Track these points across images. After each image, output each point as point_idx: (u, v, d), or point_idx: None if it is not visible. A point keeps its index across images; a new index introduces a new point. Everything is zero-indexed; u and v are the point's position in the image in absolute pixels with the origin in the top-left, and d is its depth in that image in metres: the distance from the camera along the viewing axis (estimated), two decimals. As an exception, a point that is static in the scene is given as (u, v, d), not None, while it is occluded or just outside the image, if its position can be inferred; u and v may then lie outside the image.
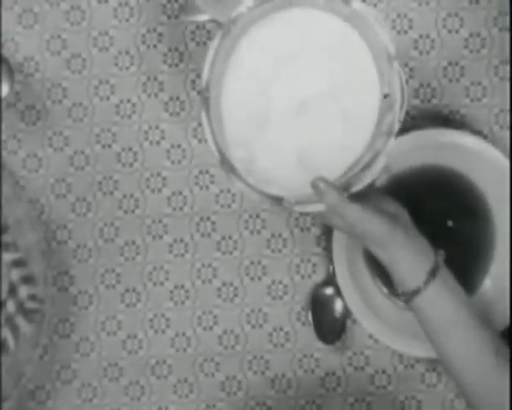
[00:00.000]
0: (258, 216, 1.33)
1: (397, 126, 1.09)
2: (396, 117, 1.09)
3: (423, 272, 1.14)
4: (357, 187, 1.08)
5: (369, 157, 1.07)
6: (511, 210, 1.27)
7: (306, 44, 1.15)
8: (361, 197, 1.13)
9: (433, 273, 1.13)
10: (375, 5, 1.33)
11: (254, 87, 1.13)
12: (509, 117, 1.33)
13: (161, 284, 1.31)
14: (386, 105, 1.09)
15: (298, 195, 1.10)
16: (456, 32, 1.32)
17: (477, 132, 1.30)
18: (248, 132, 1.13)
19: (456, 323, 1.14)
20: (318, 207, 1.10)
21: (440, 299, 1.17)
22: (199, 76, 1.33)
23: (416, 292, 1.14)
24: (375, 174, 1.08)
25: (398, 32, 1.34)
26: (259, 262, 1.33)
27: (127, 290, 1.30)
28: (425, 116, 1.35)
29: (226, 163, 1.12)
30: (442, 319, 1.17)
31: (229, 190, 1.33)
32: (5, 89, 1.24)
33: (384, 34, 1.11)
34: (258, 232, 1.35)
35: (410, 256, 1.15)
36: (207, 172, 1.35)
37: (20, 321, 1.28)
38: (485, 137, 1.29)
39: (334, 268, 1.29)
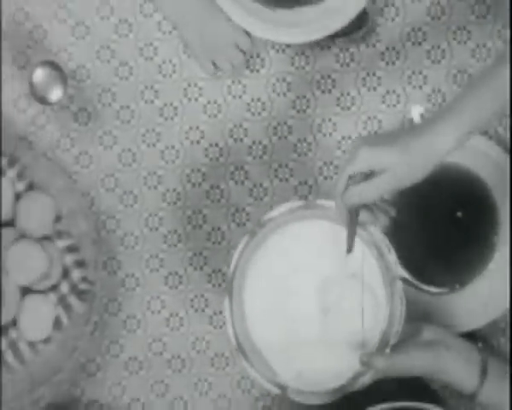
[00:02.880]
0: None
1: (398, 331, 1.06)
2: (396, 325, 1.06)
3: (475, 376, 1.09)
4: (392, 341, 1.05)
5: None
6: (511, 208, 1.20)
7: (324, 258, 1.12)
8: (400, 345, 1.08)
9: (484, 373, 1.07)
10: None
11: (273, 284, 1.12)
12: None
13: (201, 268, 1.27)
14: (389, 320, 1.08)
15: (313, 376, 1.09)
16: (465, 43, 1.27)
17: (483, 133, 1.23)
18: (268, 323, 1.11)
19: None
20: (321, 400, 1.08)
21: (498, 388, 1.11)
22: (234, 81, 1.25)
23: (474, 395, 1.07)
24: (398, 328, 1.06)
25: (413, 44, 1.26)
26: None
27: (170, 274, 1.26)
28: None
29: (241, 350, 1.09)
30: (506, 402, 1.11)
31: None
32: (59, 93, 1.19)
33: (392, 258, 1.08)
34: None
35: (459, 368, 1.09)
36: (242, 168, 1.28)
37: (73, 301, 1.24)
38: (490, 138, 1.23)
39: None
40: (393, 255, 1.09)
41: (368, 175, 1.04)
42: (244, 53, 1.25)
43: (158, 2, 1.24)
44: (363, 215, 1.07)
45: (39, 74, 1.20)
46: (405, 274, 1.24)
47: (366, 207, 1.08)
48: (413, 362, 1.08)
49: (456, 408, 1.18)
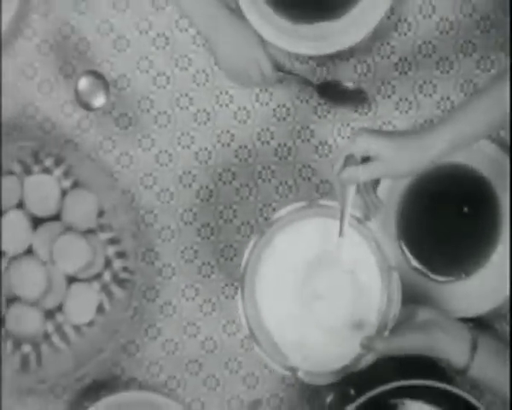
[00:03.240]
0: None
1: (395, 315, 1.13)
2: (393, 311, 1.13)
3: (466, 352, 1.15)
4: (390, 325, 1.12)
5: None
6: (511, 205, 1.22)
7: (326, 251, 1.18)
8: (397, 328, 1.14)
9: (474, 349, 1.14)
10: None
11: (281, 277, 1.18)
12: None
13: (231, 259, 1.31)
14: (386, 306, 1.14)
15: (319, 359, 1.16)
16: (470, 55, 1.32)
17: (487, 136, 1.27)
18: (279, 310, 1.17)
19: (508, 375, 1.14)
20: (328, 380, 1.14)
21: (489, 364, 1.16)
22: (261, 90, 1.30)
23: (465, 370, 1.14)
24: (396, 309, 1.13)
25: (424, 56, 1.31)
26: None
27: (203, 264, 1.30)
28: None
29: (254, 337, 1.15)
30: (497, 377, 1.16)
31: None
32: (102, 100, 1.23)
33: (388, 249, 1.15)
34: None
35: (451, 345, 1.15)
36: (269, 167, 1.32)
37: (115, 288, 1.28)
38: (493, 140, 1.27)
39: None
40: (389, 247, 1.15)
41: (364, 159, 1.09)
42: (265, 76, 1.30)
43: (192, 19, 1.29)
44: (356, 200, 1.12)
45: (84, 83, 1.23)
46: (416, 264, 1.27)
47: (366, 189, 1.13)
48: (409, 343, 1.14)
49: (463, 386, 1.22)
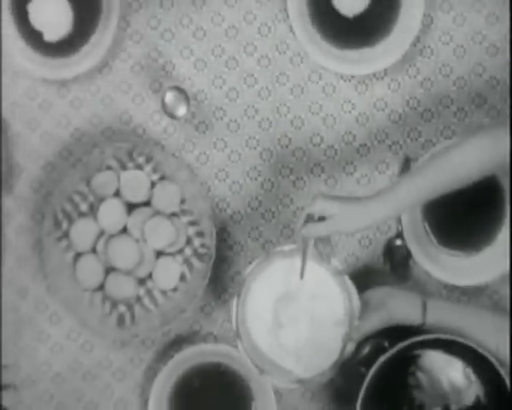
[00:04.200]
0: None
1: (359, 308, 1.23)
2: (356, 307, 1.24)
3: (418, 312, 1.26)
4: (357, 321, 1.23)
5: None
6: (511, 202, 1.28)
7: (290, 288, 1.26)
8: (362, 316, 1.25)
9: (424, 309, 1.26)
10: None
11: (267, 296, 1.27)
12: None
13: (289, 237, 1.40)
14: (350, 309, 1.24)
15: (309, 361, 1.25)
16: (480, 75, 1.41)
17: None
18: (261, 331, 1.26)
19: (466, 320, 1.24)
20: (326, 378, 1.24)
21: (441, 315, 1.26)
22: (313, 102, 1.39)
23: (422, 324, 1.26)
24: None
25: (443, 76, 1.41)
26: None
27: (266, 241, 1.41)
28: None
29: (238, 333, 1.24)
30: (450, 324, 1.26)
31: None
32: (184, 110, 1.33)
33: (345, 273, 1.25)
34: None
35: (405, 311, 1.26)
36: (319, 164, 1.39)
37: (194, 261, 1.38)
38: None
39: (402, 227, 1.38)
40: (345, 270, 1.25)
41: (320, 218, 1.20)
42: None
43: None
44: (319, 246, 1.23)
45: (169, 96, 1.33)
46: (437, 242, 1.36)
47: (322, 241, 1.24)
48: (374, 323, 1.26)
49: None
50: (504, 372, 1.21)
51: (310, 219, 1.20)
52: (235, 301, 1.24)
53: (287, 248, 1.25)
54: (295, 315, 1.28)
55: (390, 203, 1.19)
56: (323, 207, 1.19)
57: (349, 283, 1.25)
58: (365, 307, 1.26)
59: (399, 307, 1.26)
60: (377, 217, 1.19)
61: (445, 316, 1.26)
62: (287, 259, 1.26)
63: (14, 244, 1.41)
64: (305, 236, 1.20)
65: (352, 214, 1.19)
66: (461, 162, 1.19)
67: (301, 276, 1.23)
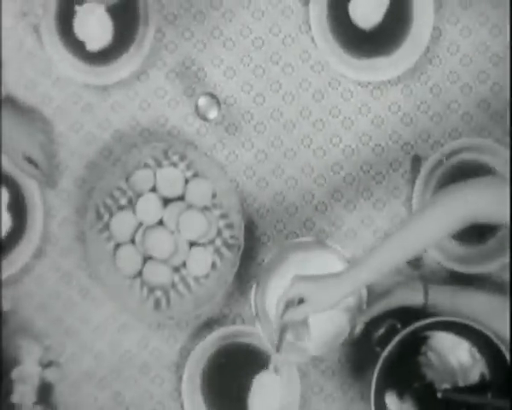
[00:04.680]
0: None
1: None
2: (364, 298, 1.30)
3: (420, 296, 1.33)
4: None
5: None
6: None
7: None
8: (370, 303, 1.31)
9: (426, 293, 1.33)
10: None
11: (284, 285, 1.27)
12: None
13: (311, 229, 1.44)
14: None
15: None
16: (484, 82, 1.44)
17: (496, 140, 1.43)
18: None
19: None
20: (337, 353, 1.35)
21: (442, 299, 1.32)
22: (333, 107, 1.44)
23: (424, 307, 1.33)
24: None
25: (451, 82, 1.44)
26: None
27: (289, 233, 1.45)
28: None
29: (258, 316, 1.31)
30: (451, 307, 1.32)
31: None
32: (215, 113, 1.36)
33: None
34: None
35: (408, 296, 1.33)
36: (338, 163, 1.44)
37: (224, 251, 1.42)
38: (500, 143, 1.42)
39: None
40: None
41: (300, 301, 1.22)
42: None
43: None
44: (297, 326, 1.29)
45: (202, 101, 1.37)
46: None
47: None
48: (381, 307, 1.33)
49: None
50: (505, 349, 1.27)
51: (290, 303, 1.23)
52: (254, 288, 1.31)
53: (301, 240, 1.32)
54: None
55: (362, 273, 1.19)
56: (301, 290, 1.21)
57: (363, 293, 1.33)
58: (371, 293, 1.34)
59: (403, 292, 1.33)
60: (347, 291, 1.20)
61: (445, 297, 1.33)
62: (302, 250, 1.33)
63: (58, 236, 1.46)
64: (288, 322, 1.23)
65: (327, 290, 1.20)
66: (420, 235, 1.18)
67: (277, 351, 1.27)
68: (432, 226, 1.16)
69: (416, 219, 1.18)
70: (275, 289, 1.33)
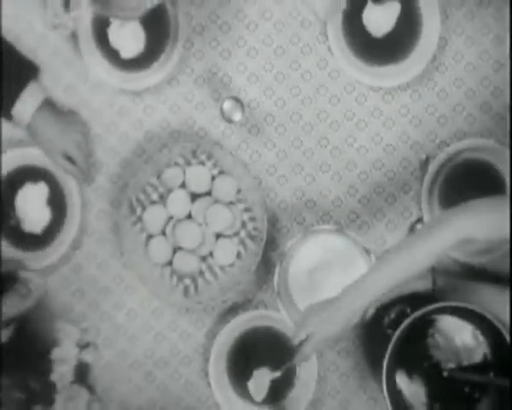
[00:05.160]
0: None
1: None
2: None
3: (429, 284, 1.38)
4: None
5: None
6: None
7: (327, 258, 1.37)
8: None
9: (434, 282, 1.38)
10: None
11: (305, 264, 1.38)
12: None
13: (328, 222, 1.47)
14: None
15: None
16: (486, 87, 1.47)
17: (497, 141, 1.46)
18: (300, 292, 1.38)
19: None
20: (349, 332, 1.33)
21: (447, 287, 1.37)
22: (347, 111, 1.46)
23: (432, 293, 1.37)
24: None
25: (456, 87, 1.46)
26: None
27: (308, 225, 1.48)
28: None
29: (281, 299, 1.36)
30: (455, 293, 1.37)
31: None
32: (239, 116, 1.40)
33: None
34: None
35: (418, 283, 1.37)
36: (353, 162, 1.47)
37: (248, 242, 1.47)
38: (502, 144, 1.45)
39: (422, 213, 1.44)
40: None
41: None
42: None
43: None
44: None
45: (227, 104, 1.42)
46: None
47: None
48: (392, 293, 1.36)
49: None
50: (505, 331, 1.30)
51: (300, 343, 1.26)
52: (277, 268, 1.35)
53: (323, 227, 1.37)
54: (327, 283, 1.37)
55: (357, 299, 1.20)
56: (308, 329, 1.24)
57: (374, 260, 1.35)
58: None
59: (413, 282, 1.38)
60: (348, 314, 1.21)
61: (451, 285, 1.38)
62: (321, 236, 1.38)
63: (95, 227, 1.50)
64: (303, 361, 1.26)
65: (329, 319, 1.21)
66: (424, 257, 1.17)
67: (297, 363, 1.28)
68: (425, 250, 1.16)
69: (409, 244, 1.18)
70: (296, 270, 1.38)
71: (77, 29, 1.47)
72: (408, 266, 1.16)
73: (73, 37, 1.49)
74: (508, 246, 1.43)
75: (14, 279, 1.42)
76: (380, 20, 1.45)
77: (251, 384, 1.39)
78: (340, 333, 1.21)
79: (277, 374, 1.36)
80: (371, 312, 1.35)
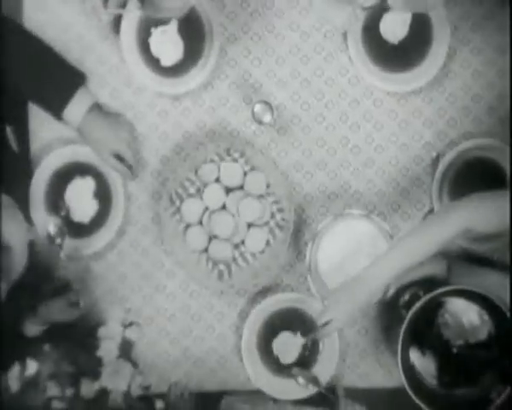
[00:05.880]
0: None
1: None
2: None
3: (444, 271, 1.41)
4: None
5: None
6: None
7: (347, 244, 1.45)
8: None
9: (449, 269, 1.39)
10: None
11: (333, 245, 1.46)
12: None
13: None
14: None
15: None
16: (491, 92, 1.55)
17: (501, 141, 1.52)
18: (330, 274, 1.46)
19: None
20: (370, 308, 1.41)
21: (462, 276, 1.39)
22: (365, 114, 1.51)
23: (447, 281, 1.39)
24: None
25: (463, 92, 1.52)
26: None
27: (330, 214, 1.52)
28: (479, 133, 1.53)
29: (310, 270, 1.44)
30: (469, 281, 1.38)
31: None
32: (269, 117, 1.46)
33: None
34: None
35: (433, 270, 1.40)
36: (370, 159, 1.52)
37: (277, 231, 1.54)
38: (504, 143, 1.51)
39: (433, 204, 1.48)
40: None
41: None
42: None
43: None
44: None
45: (258, 107, 1.47)
46: None
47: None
48: (411, 277, 1.40)
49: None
50: (507, 311, 1.36)
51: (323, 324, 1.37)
52: (309, 245, 1.43)
53: (350, 211, 1.45)
54: (353, 263, 1.45)
55: (376, 277, 1.30)
56: (330, 313, 1.34)
57: None
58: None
59: (430, 268, 1.43)
60: (362, 300, 1.31)
61: (463, 273, 1.42)
62: (350, 219, 1.45)
63: (138, 218, 1.58)
64: (326, 337, 1.38)
65: (351, 299, 1.31)
66: (430, 242, 1.27)
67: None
68: (431, 237, 1.26)
69: (418, 231, 1.29)
70: (326, 249, 1.46)
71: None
72: (417, 250, 1.27)
73: (119, 46, 1.55)
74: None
75: (67, 287, 1.49)
76: (395, 26, 1.52)
77: (276, 343, 1.47)
78: (360, 311, 1.30)
79: (301, 340, 1.45)
80: (391, 292, 1.42)
